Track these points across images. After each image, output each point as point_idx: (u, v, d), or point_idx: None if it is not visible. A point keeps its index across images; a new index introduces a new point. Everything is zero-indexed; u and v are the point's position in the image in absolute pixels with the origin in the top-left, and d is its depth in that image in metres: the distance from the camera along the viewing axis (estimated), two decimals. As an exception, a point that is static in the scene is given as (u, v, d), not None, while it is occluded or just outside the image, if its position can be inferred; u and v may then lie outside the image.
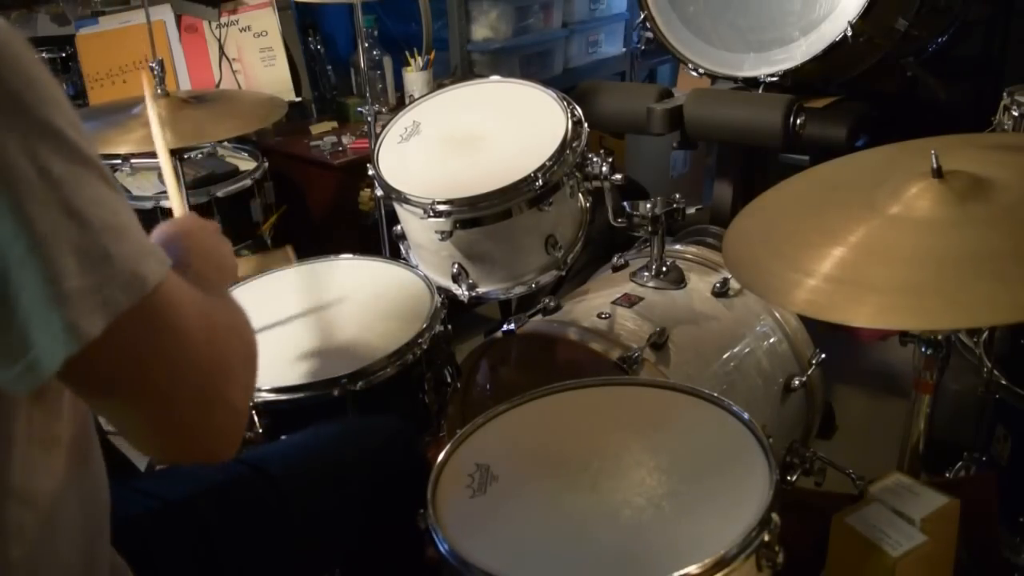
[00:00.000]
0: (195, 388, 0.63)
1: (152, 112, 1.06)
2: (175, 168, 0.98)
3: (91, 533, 0.71)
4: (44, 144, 0.53)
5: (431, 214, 1.39)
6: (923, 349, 1.22)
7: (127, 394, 0.60)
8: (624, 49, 3.43)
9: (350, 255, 1.65)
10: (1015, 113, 1.74)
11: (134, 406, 0.61)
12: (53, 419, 0.64)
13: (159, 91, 1.79)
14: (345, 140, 2.50)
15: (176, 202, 1.01)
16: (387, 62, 2.69)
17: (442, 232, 1.42)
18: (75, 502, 0.68)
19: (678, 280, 1.61)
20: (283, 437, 1.22)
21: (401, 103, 2.50)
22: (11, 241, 0.51)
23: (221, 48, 2.55)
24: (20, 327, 0.52)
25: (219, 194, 2.07)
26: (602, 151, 1.52)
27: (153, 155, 2.07)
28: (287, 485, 1.01)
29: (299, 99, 2.67)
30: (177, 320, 0.61)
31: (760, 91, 1.99)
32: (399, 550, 1.12)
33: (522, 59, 3.03)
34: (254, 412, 1.25)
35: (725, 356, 1.50)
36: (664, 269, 1.61)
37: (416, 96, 1.80)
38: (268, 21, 2.57)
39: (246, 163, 2.28)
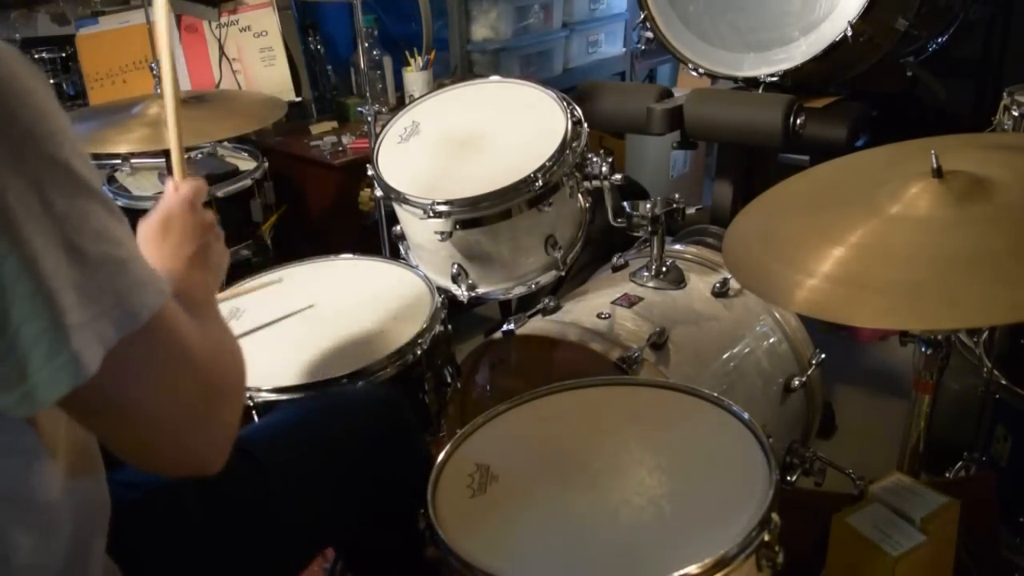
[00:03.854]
0: (189, 411, 0.65)
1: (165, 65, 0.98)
2: (179, 129, 0.98)
3: (86, 542, 0.70)
4: (52, 179, 0.54)
5: (431, 214, 1.39)
6: (923, 349, 1.22)
7: (121, 416, 0.62)
8: (624, 49, 3.43)
9: (350, 255, 1.65)
10: (1015, 113, 1.74)
11: (127, 428, 0.63)
12: (53, 428, 0.64)
13: (157, 92, 1.80)
14: (345, 140, 2.50)
15: (177, 169, 0.97)
16: (387, 62, 2.70)
17: (442, 232, 1.42)
18: (71, 511, 0.67)
19: (678, 280, 1.61)
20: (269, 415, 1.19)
21: (401, 103, 2.50)
22: (16, 276, 0.52)
23: (221, 48, 2.55)
24: (20, 359, 0.54)
25: (219, 194, 2.07)
26: (602, 151, 1.52)
27: (153, 155, 2.11)
28: (273, 467, 0.99)
29: (299, 99, 2.67)
30: (173, 346, 0.63)
31: (760, 91, 1.99)
32: (399, 549, 1.12)
33: (522, 59, 3.03)
34: (254, 412, 1.26)
35: (725, 356, 1.50)
36: (664, 269, 1.61)
37: (416, 96, 1.80)
38: (268, 21, 2.57)
39: (246, 163, 2.28)
